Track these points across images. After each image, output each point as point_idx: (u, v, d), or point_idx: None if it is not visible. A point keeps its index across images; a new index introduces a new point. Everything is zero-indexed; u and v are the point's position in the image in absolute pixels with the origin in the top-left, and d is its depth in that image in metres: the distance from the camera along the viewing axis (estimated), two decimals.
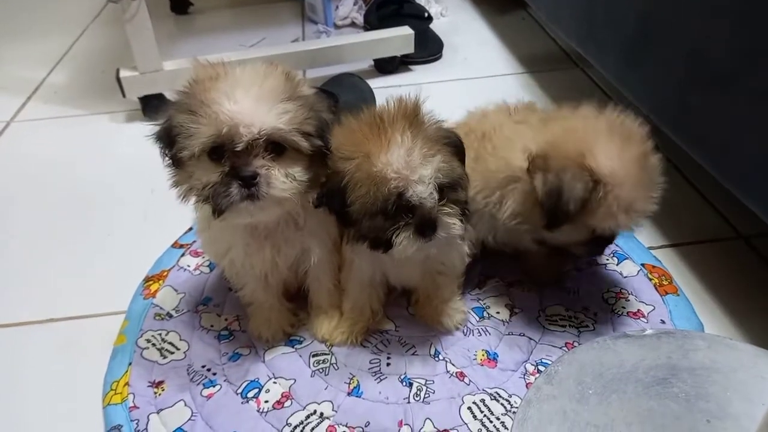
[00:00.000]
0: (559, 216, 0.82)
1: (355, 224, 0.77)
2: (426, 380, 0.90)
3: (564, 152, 0.81)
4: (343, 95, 1.46)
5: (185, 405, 0.88)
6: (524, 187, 0.86)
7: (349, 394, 0.88)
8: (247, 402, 0.88)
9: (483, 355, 0.94)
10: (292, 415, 0.86)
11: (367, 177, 0.72)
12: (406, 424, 0.84)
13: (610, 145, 0.80)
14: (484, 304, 1.02)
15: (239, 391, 0.89)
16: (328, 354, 0.94)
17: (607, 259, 1.10)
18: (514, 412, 0.85)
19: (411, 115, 0.76)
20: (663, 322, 0.97)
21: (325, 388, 0.89)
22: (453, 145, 0.79)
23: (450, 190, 0.76)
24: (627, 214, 0.81)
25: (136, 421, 0.85)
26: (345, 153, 0.75)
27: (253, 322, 0.98)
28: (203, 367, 0.93)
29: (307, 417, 0.85)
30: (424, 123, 0.77)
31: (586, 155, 0.79)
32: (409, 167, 0.71)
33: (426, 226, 0.74)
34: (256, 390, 0.89)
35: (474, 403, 0.86)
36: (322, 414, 0.86)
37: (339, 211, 0.78)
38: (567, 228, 0.84)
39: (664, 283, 1.04)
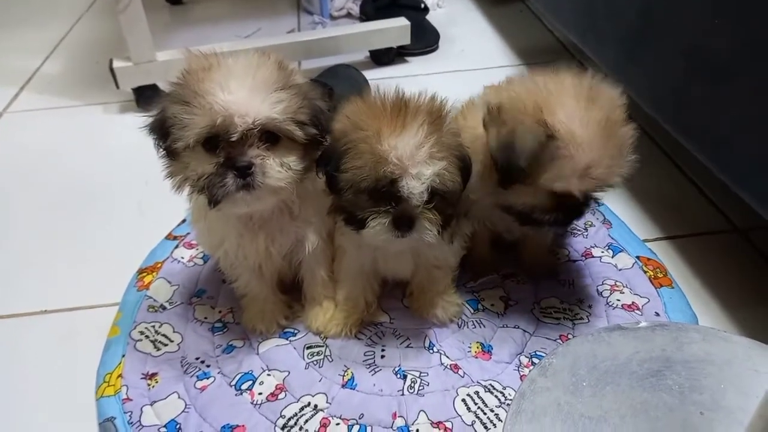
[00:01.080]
0: (511, 172, 0.78)
1: (340, 193, 0.76)
2: (420, 372, 0.90)
3: (521, 106, 0.77)
4: (338, 87, 1.45)
5: (179, 397, 0.87)
6: (484, 148, 0.82)
7: (343, 386, 0.88)
8: (241, 394, 0.87)
9: (477, 347, 0.94)
10: (286, 407, 0.85)
11: (369, 152, 0.72)
12: (400, 416, 0.84)
13: (573, 104, 0.75)
14: (479, 296, 1.02)
15: (233, 383, 0.89)
16: (323, 346, 0.94)
17: (602, 252, 1.10)
18: (508, 404, 0.85)
19: (435, 113, 0.76)
20: (657, 314, 0.97)
21: (319, 380, 0.89)
22: (462, 159, 0.78)
23: (441, 199, 0.75)
24: (581, 180, 0.76)
25: (130, 413, 0.85)
26: (358, 121, 0.75)
27: (247, 314, 0.98)
28: (197, 359, 0.93)
29: (301, 409, 0.85)
30: (444, 127, 0.76)
31: (544, 110, 0.75)
32: (412, 160, 0.71)
33: (403, 221, 0.74)
34: (250, 382, 0.89)
35: (468, 395, 0.86)
36: (316, 406, 0.86)
37: (330, 173, 0.77)
38: (523, 189, 0.80)
39: (659, 275, 1.04)
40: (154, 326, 0.99)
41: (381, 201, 0.74)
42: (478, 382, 0.88)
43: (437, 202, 0.75)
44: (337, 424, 0.83)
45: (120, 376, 0.90)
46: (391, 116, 0.73)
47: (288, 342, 0.95)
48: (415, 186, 0.71)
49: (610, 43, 1.24)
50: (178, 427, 0.83)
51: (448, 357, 0.92)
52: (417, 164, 0.71)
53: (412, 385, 0.88)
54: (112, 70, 1.56)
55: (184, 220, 1.20)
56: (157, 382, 0.90)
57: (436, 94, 0.79)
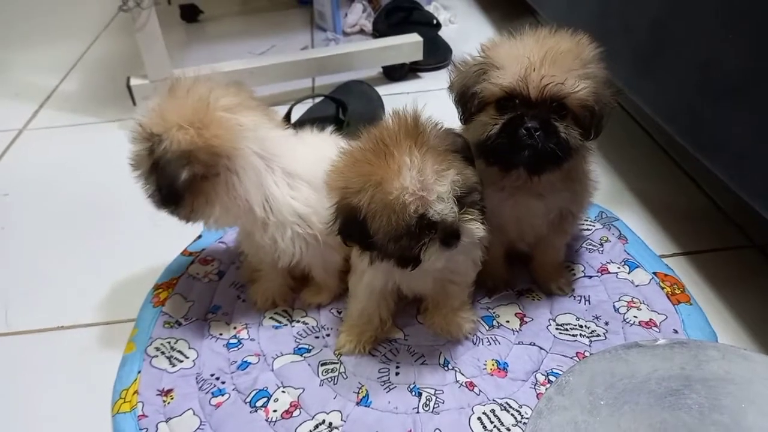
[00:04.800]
0: (465, 101, 0.85)
1: (380, 249, 0.76)
2: (435, 390, 0.89)
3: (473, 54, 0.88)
4: (352, 103, 1.46)
5: (194, 414, 0.88)
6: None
7: (357, 403, 0.88)
8: (256, 411, 0.87)
9: (493, 364, 0.93)
10: (300, 424, 0.85)
11: (385, 206, 0.71)
12: None
13: (509, 40, 0.86)
14: (494, 312, 1.02)
15: (248, 400, 0.89)
16: (337, 363, 0.94)
17: (618, 268, 1.09)
18: (524, 423, 0.84)
19: (413, 131, 0.75)
20: (676, 331, 0.96)
21: (334, 398, 0.89)
22: (460, 150, 0.78)
23: (467, 197, 0.75)
24: (518, 81, 0.79)
25: (145, 430, 0.85)
26: (355, 186, 0.74)
27: (253, 288, 1.05)
28: (212, 375, 0.93)
29: (316, 427, 0.85)
30: (429, 136, 0.75)
31: (486, 49, 0.85)
32: (425, 187, 0.70)
33: (450, 237, 0.74)
34: (265, 399, 0.89)
35: (484, 413, 0.86)
36: (330, 424, 0.85)
37: (361, 240, 0.77)
38: (479, 118, 0.84)
39: (677, 292, 1.03)
40: (169, 342, 0.99)
41: (422, 234, 0.74)
42: (493, 400, 0.87)
43: (465, 200, 0.75)
44: None
45: (136, 392, 0.91)
46: (379, 161, 0.72)
47: (303, 359, 0.95)
48: (442, 208, 0.71)
49: (624, 59, 1.24)
50: None
51: (463, 374, 0.91)
52: (432, 188, 0.71)
53: (427, 402, 0.87)
54: (129, 87, 1.59)
55: (199, 236, 1.21)
56: (172, 398, 0.90)
57: (400, 109, 0.77)
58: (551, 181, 0.87)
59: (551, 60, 0.78)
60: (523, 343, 0.96)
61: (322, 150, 0.87)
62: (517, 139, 0.80)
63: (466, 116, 0.86)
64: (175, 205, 0.84)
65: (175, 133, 0.78)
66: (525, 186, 0.88)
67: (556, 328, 0.98)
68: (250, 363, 0.95)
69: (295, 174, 0.89)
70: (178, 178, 0.78)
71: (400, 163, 0.71)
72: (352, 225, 0.75)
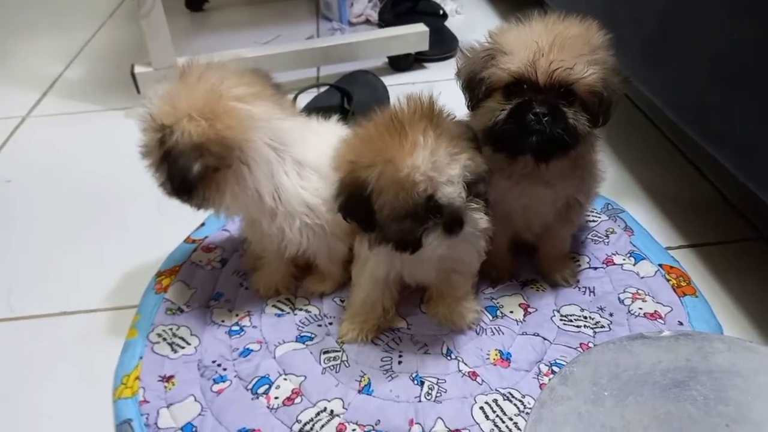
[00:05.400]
0: (472, 87, 0.84)
1: (381, 229, 0.75)
2: (438, 379, 0.89)
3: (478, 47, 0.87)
4: (357, 93, 1.45)
5: (195, 400, 0.87)
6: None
7: (359, 391, 0.88)
8: (258, 398, 0.87)
9: (496, 354, 0.92)
10: (302, 411, 0.85)
11: (393, 183, 0.70)
12: (417, 423, 0.83)
13: (516, 25, 0.85)
14: (498, 303, 1.01)
15: (249, 386, 0.89)
16: (339, 351, 0.94)
17: (624, 259, 1.08)
18: (527, 413, 0.83)
19: (429, 113, 0.74)
20: (681, 323, 0.95)
21: (336, 386, 0.88)
22: (473, 139, 0.77)
23: (475, 185, 0.74)
24: (527, 66, 0.78)
25: (146, 416, 0.85)
26: (365, 160, 0.73)
27: (256, 276, 1.05)
28: (213, 362, 0.93)
29: (318, 414, 0.85)
30: (444, 120, 0.75)
31: (494, 34, 0.86)
32: (436, 169, 0.70)
33: (454, 223, 0.73)
34: (267, 386, 0.89)
35: (486, 402, 0.85)
36: (332, 411, 0.85)
37: (363, 218, 0.76)
38: (486, 104, 0.84)
39: (682, 284, 1.02)
40: (171, 329, 0.99)
41: (426, 217, 0.73)
42: (496, 390, 0.87)
43: (474, 188, 0.74)
44: (354, 429, 0.83)
45: (137, 378, 0.91)
46: (392, 139, 0.71)
47: (305, 346, 0.95)
48: (451, 191, 0.70)
49: (631, 49, 1.23)
50: (194, 430, 0.83)
51: (466, 364, 0.91)
52: (443, 170, 0.70)
53: (430, 391, 0.87)
54: (133, 75, 1.58)
55: (202, 224, 1.21)
56: (173, 384, 0.90)
57: (415, 93, 0.77)
58: (558, 168, 0.87)
59: (560, 45, 0.77)
60: (526, 334, 0.95)
61: (330, 139, 0.86)
62: (524, 125, 0.79)
63: (474, 102, 0.86)
64: (187, 196, 0.83)
65: (186, 124, 0.77)
66: (532, 174, 0.87)
67: (560, 319, 0.98)
68: (252, 350, 0.94)
69: (305, 163, 0.88)
70: (191, 170, 0.77)
71: (414, 141, 0.70)
72: (357, 200, 0.74)
